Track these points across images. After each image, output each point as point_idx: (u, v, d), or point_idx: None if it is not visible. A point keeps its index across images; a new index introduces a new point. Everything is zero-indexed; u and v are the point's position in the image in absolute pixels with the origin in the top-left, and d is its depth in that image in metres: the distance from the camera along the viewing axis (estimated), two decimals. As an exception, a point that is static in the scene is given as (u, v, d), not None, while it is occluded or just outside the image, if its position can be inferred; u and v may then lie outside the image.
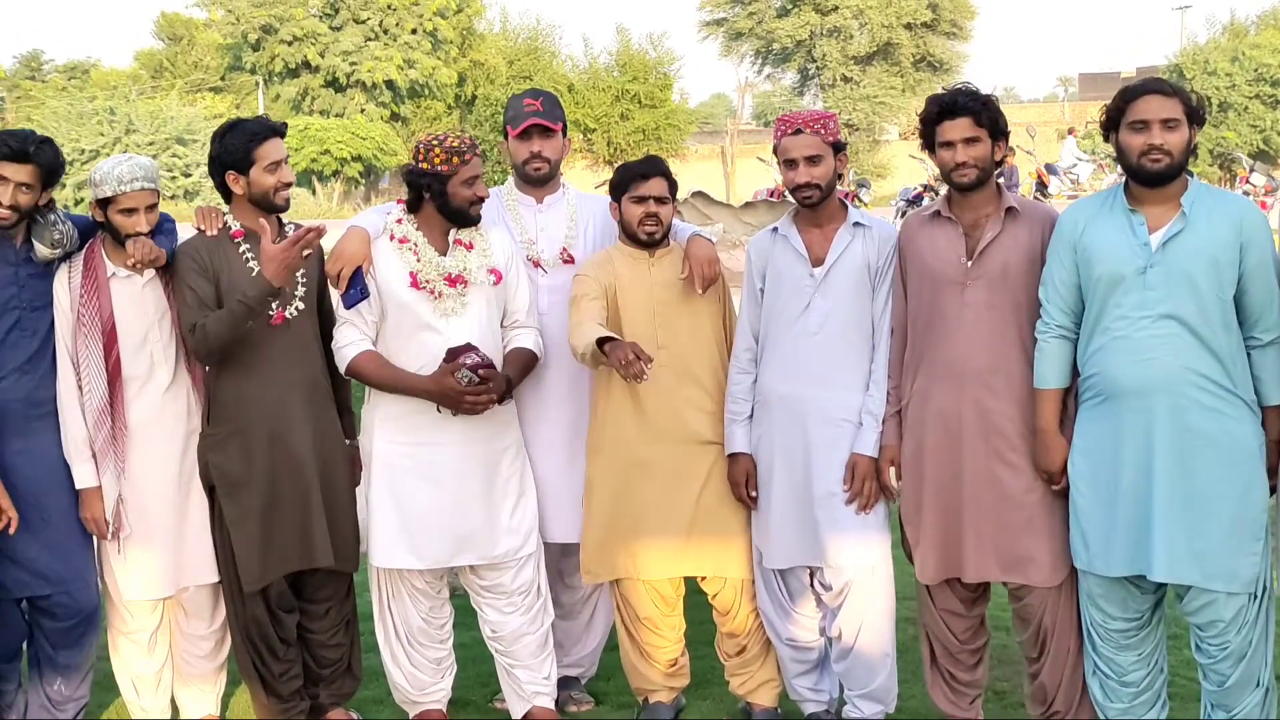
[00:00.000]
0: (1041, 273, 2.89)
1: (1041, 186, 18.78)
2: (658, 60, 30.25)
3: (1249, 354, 2.76)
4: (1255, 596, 2.77)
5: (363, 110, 30.79)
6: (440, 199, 2.99)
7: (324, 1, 30.89)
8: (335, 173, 27.86)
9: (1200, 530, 2.71)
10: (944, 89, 3.09)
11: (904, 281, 3.04)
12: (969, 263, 2.88)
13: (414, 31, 30.95)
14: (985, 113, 2.87)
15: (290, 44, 30.84)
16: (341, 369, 3.02)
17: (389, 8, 30.62)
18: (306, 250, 2.86)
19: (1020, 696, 3.18)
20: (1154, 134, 2.69)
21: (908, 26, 31.03)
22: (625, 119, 28.81)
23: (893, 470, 3.03)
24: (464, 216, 3.02)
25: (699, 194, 7.49)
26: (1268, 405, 2.75)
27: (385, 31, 30.81)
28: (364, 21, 30.86)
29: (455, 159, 2.95)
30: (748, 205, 5.70)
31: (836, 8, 30.68)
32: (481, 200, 3.04)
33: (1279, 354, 2.76)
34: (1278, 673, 3.06)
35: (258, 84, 32.35)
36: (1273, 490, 2.82)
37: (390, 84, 31.02)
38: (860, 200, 17.53)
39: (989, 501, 2.90)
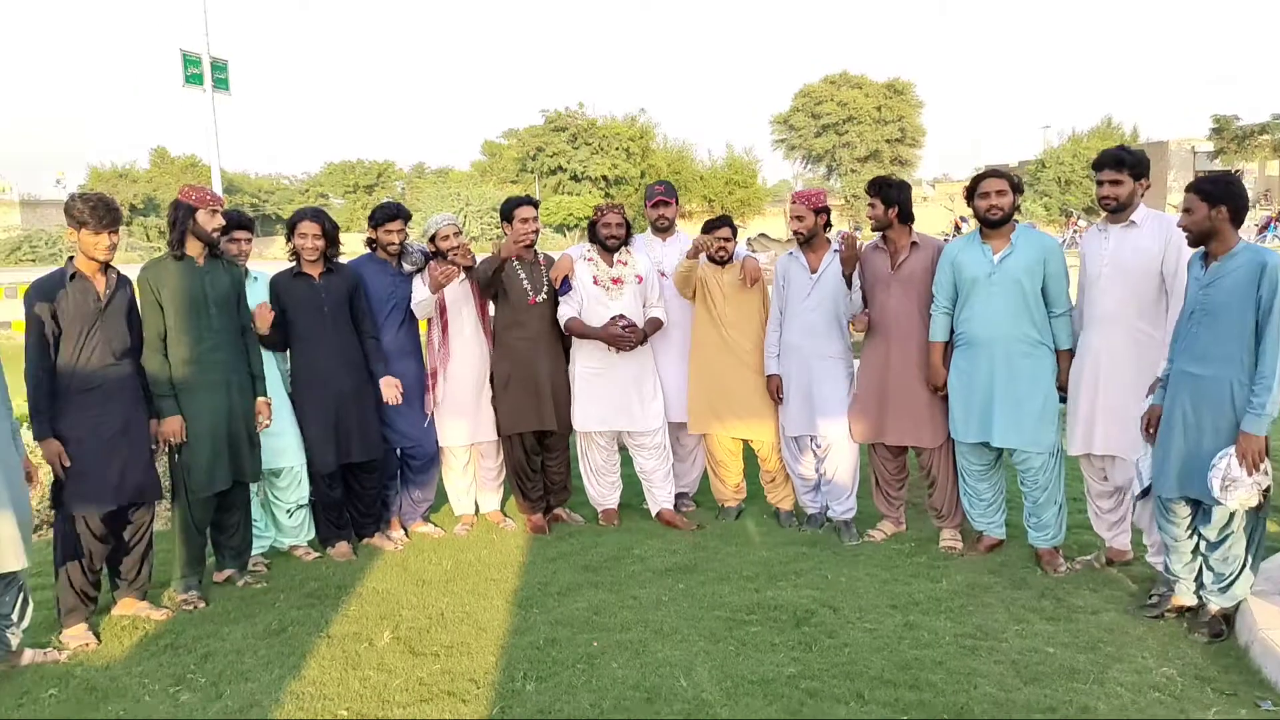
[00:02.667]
0: (934, 277, 4.76)
1: (957, 230, 33.08)
2: (748, 161, 54.88)
3: (1050, 321, 4.53)
4: (1052, 454, 4.56)
5: (589, 192, 52.20)
6: (594, 236, 5.30)
7: (569, 134, 53.80)
8: (575, 225, 45.89)
9: (1020, 416, 4.51)
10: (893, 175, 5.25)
11: (862, 281, 5.05)
12: (892, 271, 4.93)
13: (617, 149, 53.47)
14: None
15: (551, 156, 54.21)
16: (562, 326, 5.22)
17: (604, 136, 53.52)
18: (516, 241, 5.05)
19: (925, 507, 5.28)
20: (992, 199, 4.51)
21: (888, 141, 54.54)
22: (730, 194, 52.13)
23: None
24: (604, 245, 5.26)
25: (762, 235, 10.87)
26: (1060, 349, 4.53)
27: (601, 149, 53.49)
28: (590, 144, 53.61)
29: (599, 214, 5.26)
30: (789, 240, 8.23)
31: (848, 132, 54.19)
32: (615, 237, 5.23)
33: (1067, 321, 4.54)
34: (1070, 495, 5.19)
35: (535, 178, 54.42)
36: (1061, 398, 4.56)
37: (604, 177, 53.00)
38: (857, 237, 30.11)
39: (901, 401, 4.89)
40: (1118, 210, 4.32)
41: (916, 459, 5.17)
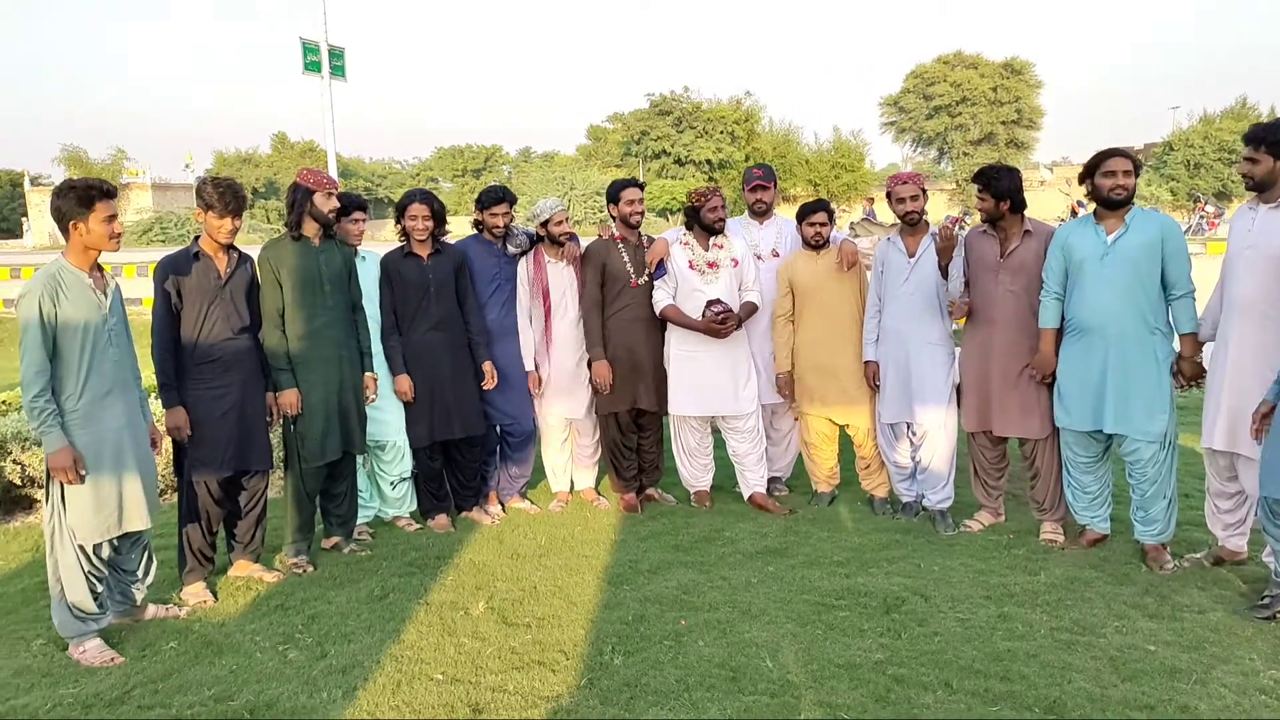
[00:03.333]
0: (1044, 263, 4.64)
1: (1074, 214, 31.24)
2: (856, 145, 53.62)
3: (1170, 304, 4.36)
4: (1164, 445, 4.41)
5: (692, 176, 52.61)
6: (698, 220, 5.30)
7: (673, 117, 54.27)
8: (678, 209, 44.87)
9: (1130, 404, 4.37)
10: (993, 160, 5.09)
11: (967, 266, 4.98)
12: (1001, 259, 4.80)
13: (721, 132, 53.76)
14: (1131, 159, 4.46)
15: (655, 140, 54.65)
16: (657, 313, 5.28)
17: (709, 119, 53.70)
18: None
19: (1026, 499, 5.24)
20: (1119, 178, 4.32)
21: (1003, 123, 52.23)
22: (837, 177, 51.46)
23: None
24: (710, 229, 5.28)
25: (866, 219, 10.85)
26: (1181, 333, 4.35)
27: (706, 133, 53.80)
28: (695, 127, 53.89)
29: (702, 199, 5.25)
30: (893, 225, 8.10)
31: (961, 114, 51.95)
32: (721, 219, 5.27)
33: (1189, 303, 4.33)
34: (1183, 491, 5.00)
35: (639, 162, 55.33)
36: (1180, 386, 4.42)
37: (708, 161, 53.40)
38: (965, 223, 28.67)
39: (1006, 389, 4.81)
40: (1257, 189, 4.11)
41: (1019, 449, 5.08)
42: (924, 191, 5.04)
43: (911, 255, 5.07)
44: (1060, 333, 4.66)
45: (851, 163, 52.71)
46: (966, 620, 3.90)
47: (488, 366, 5.26)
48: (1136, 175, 4.45)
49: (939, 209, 46.95)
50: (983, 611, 3.98)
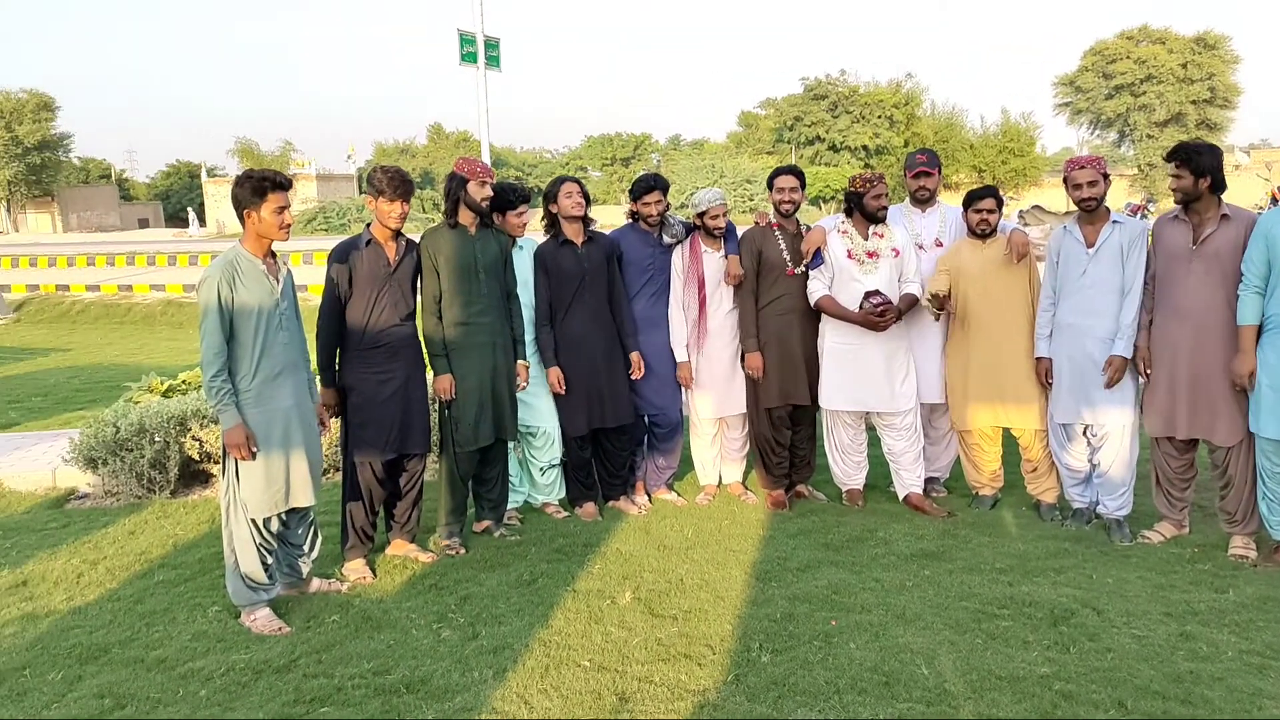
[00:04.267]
0: (1244, 253, 4.37)
1: (1275, 202, 27.55)
2: (1026, 128, 52.12)
3: None
4: None
5: (848, 163, 52.42)
6: (860, 207, 5.20)
7: (829, 101, 53.53)
8: (833, 197, 47.31)
9: None
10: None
11: (1154, 255, 4.71)
12: (1194, 247, 4.54)
13: (879, 116, 53.13)
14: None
15: (809, 126, 54.47)
16: (812, 304, 5.23)
17: (865, 103, 52.93)
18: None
19: (1213, 510, 4.97)
20: None
21: (1194, 102, 49.19)
22: (1005, 163, 50.25)
23: (1141, 362, 4.72)
24: (873, 217, 5.19)
25: (1036, 207, 10.47)
26: None
27: (863, 117, 53.34)
28: (851, 111, 53.48)
29: (867, 185, 5.16)
30: (1068, 213, 7.69)
31: (1145, 92, 49.47)
32: (884, 208, 5.17)
33: None
34: None
35: (791, 149, 54.96)
36: None
37: (864, 147, 53.03)
38: (1148, 210, 27.15)
39: (1197, 390, 4.53)
40: None
41: (1208, 455, 4.80)
42: (1105, 177, 4.81)
43: (1090, 245, 4.85)
44: (1260, 331, 4.39)
45: (1021, 147, 50.75)
46: (1143, 637, 3.71)
47: (635, 357, 5.33)
48: None
49: (1118, 196, 44.47)
50: (1162, 629, 3.78)
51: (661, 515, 5.41)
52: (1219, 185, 4.54)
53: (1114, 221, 4.84)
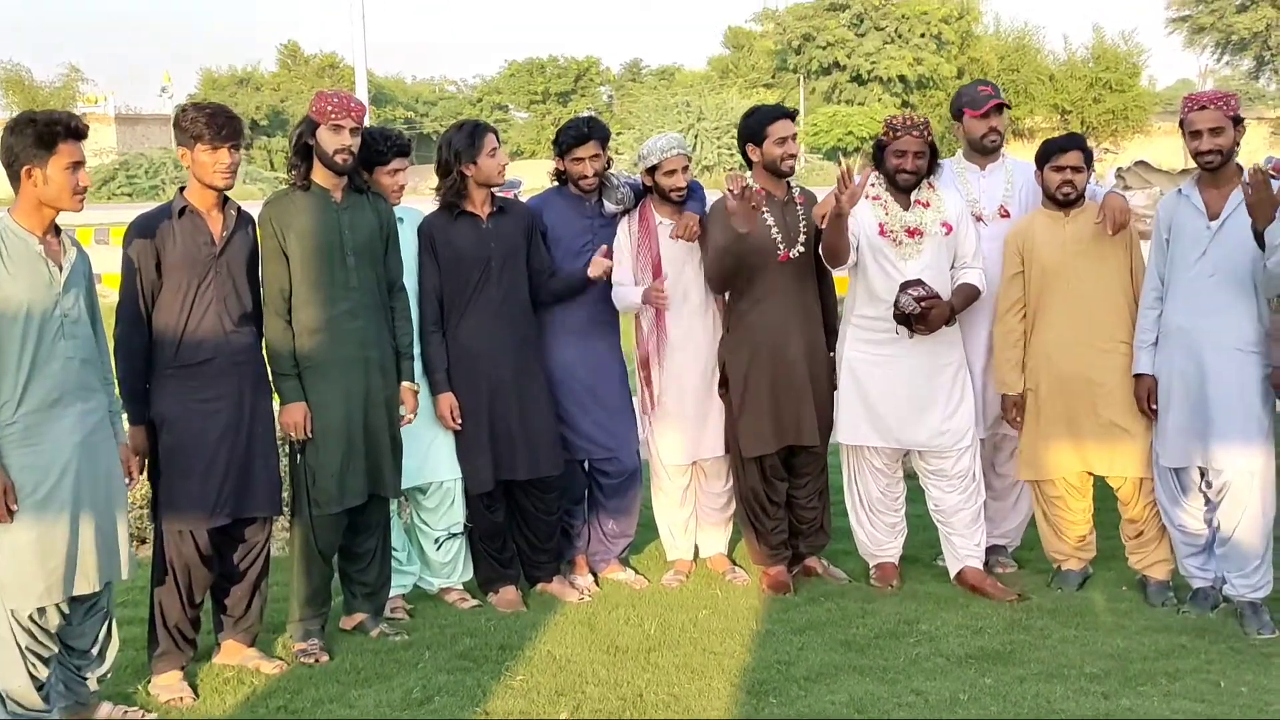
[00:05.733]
0: None
1: None
2: (1128, 52, 52.98)
3: None
4: None
5: (879, 100, 53.78)
6: (878, 163, 5.29)
7: (851, 14, 53.80)
8: (856, 149, 47.39)
9: None
10: None
11: None
12: None
13: (923, 35, 53.44)
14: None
15: (824, 48, 55.12)
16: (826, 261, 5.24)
17: (903, 17, 53.16)
18: (754, 203, 5.09)
19: None
20: None
21: (1362, 17, 51.35)
22: (1098, 102, 50.92)
23: None
24: (891, 179, 5.25)
25: (1141, 163, 10.88)
26: None
27: (900, 36, 53.50)
28: (883, 29, 53.77)
29: (892, 134, 5.22)
30: (1184, 172, 7.80)
31: (1294, 3, 50.80)
32: (910, 171, 5.19)
33: None
34: None
35: (798, 81, 55.46)
36: None
37: (902, 78, 54.00)
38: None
39: None
40: None
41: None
42: (1236, 121, 4.93)
43: (1214, 217, 4.96)
44: None
45: (1120, 79, 51.42)
46: (1290, 771, 3.78)
47: (600, 260, 5.30)
48: None
49: (1256, 149, 45.37)
50: (1316, 759, 3.85)
51: (612, 603, 5.42)
52: None
53: (1246, 183, 4.93)
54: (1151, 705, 4.26)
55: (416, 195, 6.24)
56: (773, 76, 57.86)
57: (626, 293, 5.44)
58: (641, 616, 5.24)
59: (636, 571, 5.79)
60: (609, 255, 5.38)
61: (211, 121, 4.38)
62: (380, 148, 5.10)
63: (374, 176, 5.09)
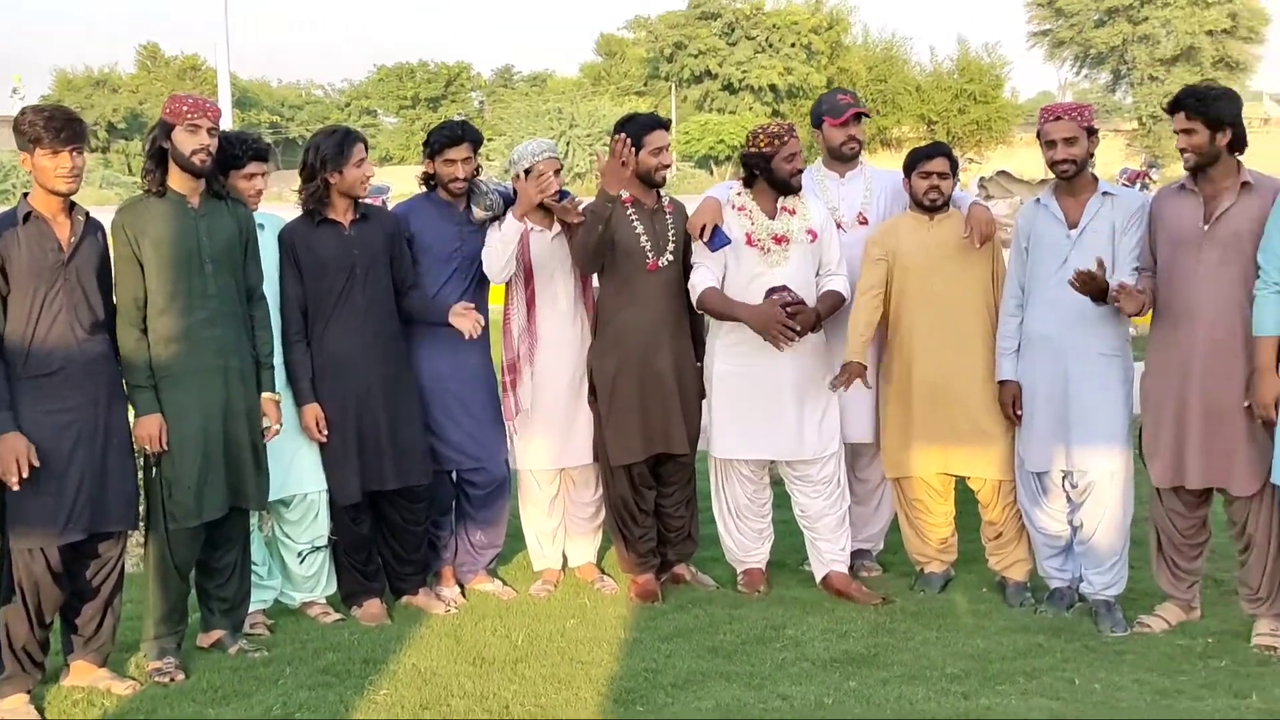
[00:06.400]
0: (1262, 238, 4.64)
1: None
2: (991, 65, 54.46)
3: None
4: None
5: (750, 108, 54.38)
6: (767, 173, 5.37)
7: (723, 22, 55.05)
8: (728, 157, 48.23)
9: None
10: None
11: (1154, 240, 4.94)
12: (1205, 227, 4.78)
13: (793, 45, 54.88)
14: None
15: (696, 56, 56.39)
16: (694, 303, 5.32)
17: (774, 26, 54.60)
18: (624, 160, 5.08)
19: (1233, 585, 5.18)
20: None
21: (1209, 33, 52.80)
22: (962, 113, 51.89)
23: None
24: (786, 186, 5.33)
25: (1002, 173, 11.35)
26: None
27: (771, 45, 54.96)
28: (754, 38, 55.12)
29: (776, 141, 5.30)
30: (1043, 182, 8.15)
31: (1146, 18, 52.65)
32: (800, 172, 5.34)
33: None
34: None
35: (670, 89, 56.37)
36: None
37: (773, 88, 55.11)
38: (1150, 179, 27.11)
39: (1209, 424, 4.78)
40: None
41: (1225, 511, 5.09)
42: (1090, 131, 5.10)
43: (1073, 226, 5.12)
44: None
45: (984, 91, 52.74)
46: (1141, 764, 3.91)
47: (460, 311, 5.25)
48: None
49: (1112, 158, 46.74)
50: (1165, 751, 4.00)
51: (479, 614, 5.42)
52: (1239, 143, 4.84)
53: (1103, 193, 5.13)
54: (1009, 704, 4.37)
55: (281, 201, 6.13)
56: (645, 84, 58.29)
57: (503, 243, 5.35)
58: (508, 627, 5.24)
59: (504, 582, 5.79)
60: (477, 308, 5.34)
61: (50, 124, 4.28)
62: (236, 151, 5.03)
63: (230, 181, 5.00)
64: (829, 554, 5.62)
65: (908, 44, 68.35)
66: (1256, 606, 4.99)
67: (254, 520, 5.22)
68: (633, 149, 5.18)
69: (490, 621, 5.32)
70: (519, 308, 5.53)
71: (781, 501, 5.88)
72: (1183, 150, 4.86)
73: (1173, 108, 4.90)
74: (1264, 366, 4.69)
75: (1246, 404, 4.74)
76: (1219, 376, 4.84)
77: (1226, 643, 4.94)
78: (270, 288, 5.13)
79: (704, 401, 5.63)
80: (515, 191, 5.50)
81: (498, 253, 5.34)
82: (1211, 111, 4.77)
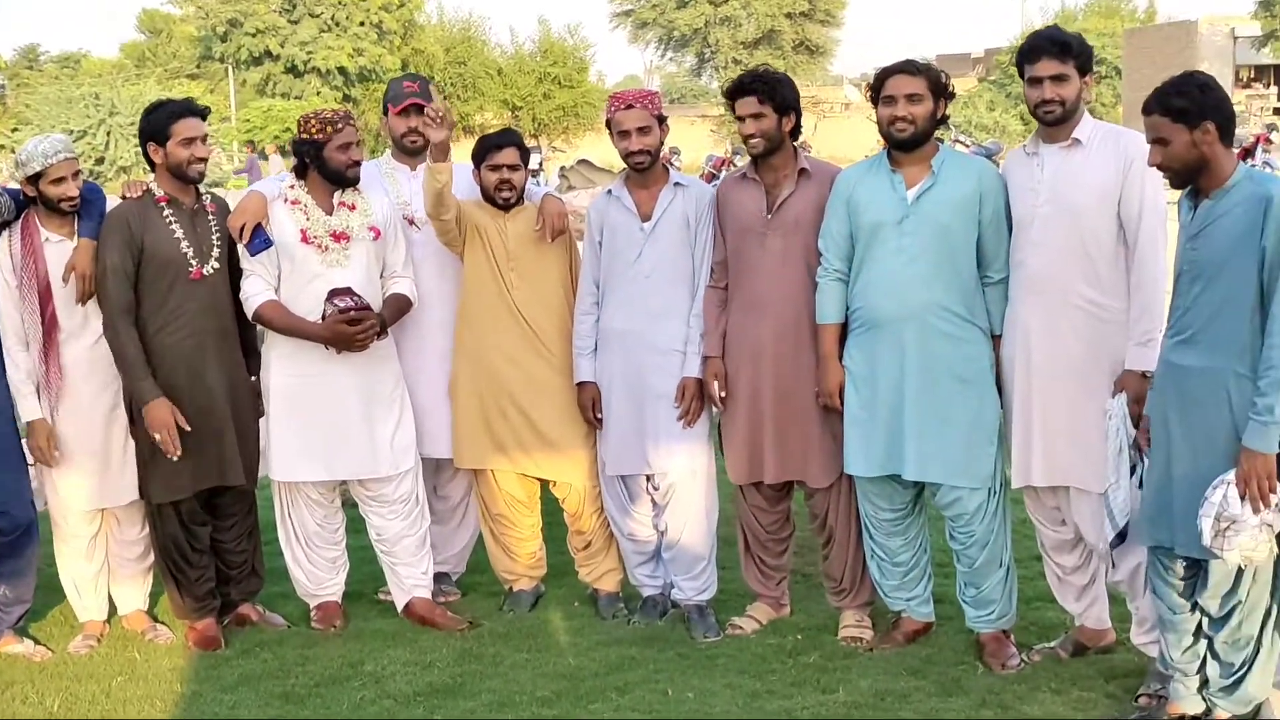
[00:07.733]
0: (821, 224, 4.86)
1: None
2: (575, 47, 54.88)
3: (984, 290, 4.73)
4: (993, 491, 4.77)
5: (319, 93, 52.31)
6: (319, 163, 5.14)
7: (286, 21, 53.04)
8: (286, 150, 44.31)
9: (942, 436, 4.67)
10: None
11: (721, 231, 5.10)
12: (768, 216, 4.97)
13: (362, 24, 53.16)
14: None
15: (254, 35, 53.37)
16: (249, 316, 5.08)
17: (339, 3, 52.56)
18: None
19: (819, 579, 5.44)
20: (898, 106, 4.63)
21: (788, 16, 55.52)
22: (547, 98, 52.23)
23: (716, 382, 5.09)
24: (341, 178, 5.14)
25: (583, 161, 11.45)
26: (994, 334, 4.73)
27: (337, 24, 52.90)
28: (318, 15, 52.99)
29: (329, 128, 5.09)
30: (622, 171, 8.46)
31: (727, 1, 54.10)
32: (357, 163, 5.16)
33: (1002, 292, 4.71)
34: (1016, 556, 5.15)
35: (226, 71, 54.52)
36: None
37: (342, 70, 53.27)
38: (734, 164, 31.06)
39: (782, 417, 4.98)
40: (1058, 122, 4.55)
41: (806, 505, 5.30)
42: (660, 120, 5.19)
43: (646, 218, 5.20)
44: (844, 331, 4.93)
45: (569, 75, 53.44)
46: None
47: None
48: (946, 100, 4.82)
49: (699, 145, 48.44)
50: (757, 758, 4.10)
51: (6, 681, 5.03)
52: (798, 130, 5.08)
53: (675, 184, 5.23)
54: (602, 721, 4.38)
55: None
56: (197, 66, 55.66)
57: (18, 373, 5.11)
58: (42, 693, 4.90)
59: (37, 641, 5.37)
60: None
61: None
62: None
63: None
64: (410, 579, 5.49)
65: (486, 24, 68.87)
66: (841, 599, 5.23)
67: None
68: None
69: (20, 688, 4.95)
70: (33, 332, 5.09)
71: (356, 526, 5.71)
72: (749, 137, 5.01)
73: (737, 93, 5.03)
74: (826, 354, 4.92)
75: (816, 391, 4.95)
76: (788, 365, 5.04)
77: (815, 638, 5.15)
78: None
79: (261, 420, 5.38)
80: (25, 195, 5.09)
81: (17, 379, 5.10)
82: (778, 95, 4.95)
